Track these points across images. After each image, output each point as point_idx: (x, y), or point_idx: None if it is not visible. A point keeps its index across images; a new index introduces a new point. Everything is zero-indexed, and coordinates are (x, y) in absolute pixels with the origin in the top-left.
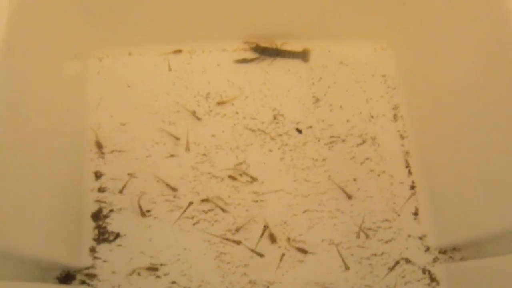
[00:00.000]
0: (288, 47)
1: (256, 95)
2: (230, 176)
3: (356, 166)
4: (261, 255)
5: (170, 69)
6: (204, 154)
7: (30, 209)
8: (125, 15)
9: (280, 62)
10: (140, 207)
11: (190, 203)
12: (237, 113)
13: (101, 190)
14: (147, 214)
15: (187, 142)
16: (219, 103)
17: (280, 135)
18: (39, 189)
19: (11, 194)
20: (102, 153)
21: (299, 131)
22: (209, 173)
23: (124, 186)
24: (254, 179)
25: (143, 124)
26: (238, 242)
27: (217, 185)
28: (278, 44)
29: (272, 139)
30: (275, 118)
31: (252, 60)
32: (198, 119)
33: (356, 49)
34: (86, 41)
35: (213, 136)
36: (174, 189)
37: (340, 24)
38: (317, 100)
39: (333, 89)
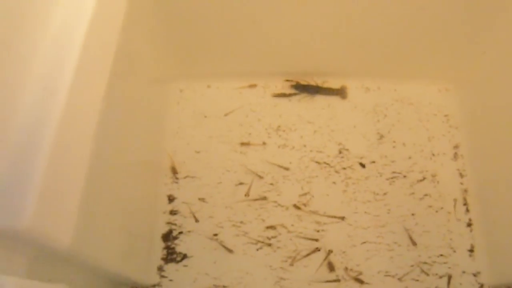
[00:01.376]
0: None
1: (323, 130)
2: (294, 206)
3: (415, 201)
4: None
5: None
6: (271, 184)
7: (111, 226)
8: (205, 50)
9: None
10: (224, 246)
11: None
12: (304, 145)
13: (173, 212)
14: (214, 237)
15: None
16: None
17: (344, 168)
18: (119, 209)
19: (101, 211)
20: (177, 178)
21: (363, 165)
22: (275, 202)
23: (195, 211)
24: (317, 210)
25: (216, 152)
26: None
27: (281, 213)
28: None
29: (336, 172)
30: (340, 152)
31: (290, 95)
32: (268, 149)
33: (421, 89)
34: (169, 73)
35: (279, 167)
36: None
37: (407, 64)
38: (381, 136)
39: (397, 126)
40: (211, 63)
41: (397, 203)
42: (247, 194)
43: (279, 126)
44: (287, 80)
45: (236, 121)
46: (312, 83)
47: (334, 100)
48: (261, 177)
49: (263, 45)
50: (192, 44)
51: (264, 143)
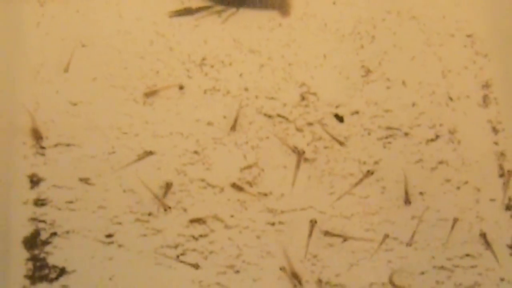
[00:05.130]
0: None
1: (276, 63)
2: (233, 185)
3: (424, 173)
4: None
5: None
6: (195, 152)
7: None
8: None
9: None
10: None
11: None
12: (246, 89)
13: (39, 203)
14: (108, 239)
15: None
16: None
17: (310, 124)
18: None
19: None
20: (42, 148)
21: (340, 118)
22: (202, 180)
23: (75, 199)
24: (269, 192)
25: (105, 103)
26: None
27: (214, 198)
28: None
29: (299, 130)
30: (303, 98)
31: (199, 10)
32: (187, 97)
33: None
34: None
35: (209, 124)
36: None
37: None
38: (368, 71)
39: (392, 55)
40: None
41: (395, 177)
42: (162, 171)
43: (203, 59)
44: None
45: (134, 53)
46: None
47: (286, 16)
48: (177, 144)
49: None
50: None
51: (181, 87)
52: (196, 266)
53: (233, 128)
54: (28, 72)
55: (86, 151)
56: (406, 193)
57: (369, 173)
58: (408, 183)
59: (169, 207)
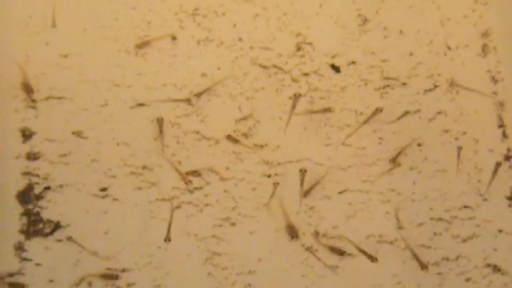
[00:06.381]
0: None
1: (270, 12)
2: (228, 137)
3: (422, 123)
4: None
5: None
6: (188, 101)
7: None
8: None
9: None
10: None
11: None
12: (240, 39)
13: (32, 157)
14: (102, 193)
15: None
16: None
17: (306, 74)
18: None
19: None
20: (33, 101)
21: (336, 68)
22: (197, 133)
23: (68, 152)
24: (264, 143)
25: (96, 55)
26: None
27: (209, 150)
28: None
29: (294, 80)
30: (299, 48)
31: None
32: (180, 48)
33: None
34: None
35: (203, 75)
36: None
37: None
38: (365, 20)
39: (390, 3)
40: None
41: (393, 128)
42: (155, 123)
43: (196, 9)
44: None
45: (125, 3)
46: None
47: None
48: (170, 96)
49: None
50: None
51: (173, 38)
52: (192, 219)
53: (227, 80)
54: (17, 25)
55: (78, 104)
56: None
57: (378, 110)
58: (404, 133)
59: (190, 181)
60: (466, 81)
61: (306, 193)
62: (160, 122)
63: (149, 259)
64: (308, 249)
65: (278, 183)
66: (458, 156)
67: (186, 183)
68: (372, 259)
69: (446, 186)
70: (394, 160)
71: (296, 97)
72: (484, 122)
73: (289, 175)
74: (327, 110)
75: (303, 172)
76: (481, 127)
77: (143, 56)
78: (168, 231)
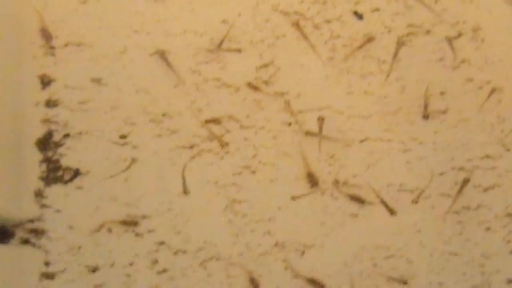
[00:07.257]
0: None
1: None
2: (249, 85)
3: (445, 72)
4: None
5: None
6: (209, 50)
7: None
8: None
9: None
10: None
11: None
12: None
13: (51, 104)
14: (121, 140)
15: None
16: None
17: (328, 21)
18: None
19: None
20: (52, 48)
21: (359, 15)
22: (217, 80)
23: (87, 100)
24: (285, 91)
25: (115, 1)
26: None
27: (229, 98)
28: None
29: (316, 27)
30: None
31: None
32: None
33: None
34: None
35: (224, 22)
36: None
37: None
38: None
39: None
40: None
41: (415, 76)
42: (170, 67)
43: None
44: None
45: None
46: None
47: None
48: (190, 42)
49: None
50: None
51: None
52: (213, 167)
53: (247, 27)
54: None
55: (97, 50)
56: (427, 92)
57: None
58: (427, 81)
59: (227, 144)
60: (492, 29)
61: (326, 141)
62: (162, 55)
63: (168, 206)
64: (329, 196)
65: (323, 118)
66: (482, 105)
67: (222, 145)
68: (392, 211)
69: (468, 135)
70: (427, 117)
71: (320, 120)
72: (509, 72)
73: (309, 123)
74: (349, 58)
75: (321, 120)
76: (506, 77)
77: (162, 2)
78: (184, 184)
